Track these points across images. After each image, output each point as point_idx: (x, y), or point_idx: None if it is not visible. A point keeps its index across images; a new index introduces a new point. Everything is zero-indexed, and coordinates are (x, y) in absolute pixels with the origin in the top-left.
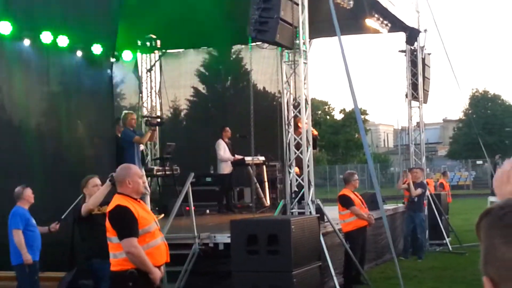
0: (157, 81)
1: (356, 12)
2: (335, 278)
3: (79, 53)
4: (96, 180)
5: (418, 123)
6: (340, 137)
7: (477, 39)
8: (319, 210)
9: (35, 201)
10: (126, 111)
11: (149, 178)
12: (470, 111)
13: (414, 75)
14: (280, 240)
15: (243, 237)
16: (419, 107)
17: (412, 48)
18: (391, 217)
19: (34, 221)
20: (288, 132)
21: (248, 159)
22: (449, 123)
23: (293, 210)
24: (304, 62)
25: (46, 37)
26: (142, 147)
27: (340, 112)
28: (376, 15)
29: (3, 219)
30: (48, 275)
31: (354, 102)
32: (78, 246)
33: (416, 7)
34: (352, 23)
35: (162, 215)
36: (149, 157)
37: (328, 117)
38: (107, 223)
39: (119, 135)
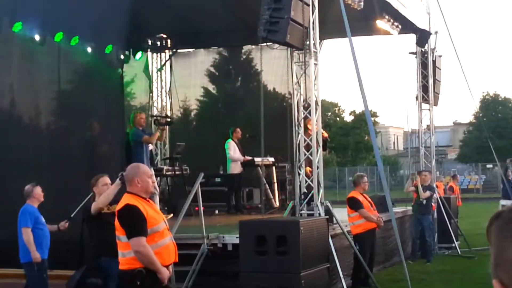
0: (168, 80)
1: (367, 13)
2: (343, 280)
3: (89, 52)
4: (106, 179)
5: (428, 125)
6: (350, 139)
7: (488, 42)
8: (328, 212)
9: (45, 199)
10: (135, 111)
11: (158, 178)
12: (480, 114)
13: (424, 77)
14: (289, 241)
15: (251, 237)
16: (429, 109)
17: (423, 50)
18: (400, 219)
19: (43, 219)
20: (298, 133)
21: (257, 160)
22: (460, 126)
23: (302, 212)
24: (314, 63)
25: (57, 36)
26: (151, 146)
27: (350, 114)
28: (386, 17)
29: (13, 216)
30: (57, 273)
31: (365, 104)
32: (87, 244)
33: (427, 9)
34: (362, 24)
35: (171, 214)
36: (158, 157)
37: (338, 119)
38: (116, 222)
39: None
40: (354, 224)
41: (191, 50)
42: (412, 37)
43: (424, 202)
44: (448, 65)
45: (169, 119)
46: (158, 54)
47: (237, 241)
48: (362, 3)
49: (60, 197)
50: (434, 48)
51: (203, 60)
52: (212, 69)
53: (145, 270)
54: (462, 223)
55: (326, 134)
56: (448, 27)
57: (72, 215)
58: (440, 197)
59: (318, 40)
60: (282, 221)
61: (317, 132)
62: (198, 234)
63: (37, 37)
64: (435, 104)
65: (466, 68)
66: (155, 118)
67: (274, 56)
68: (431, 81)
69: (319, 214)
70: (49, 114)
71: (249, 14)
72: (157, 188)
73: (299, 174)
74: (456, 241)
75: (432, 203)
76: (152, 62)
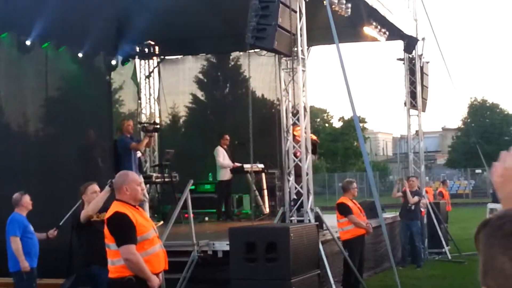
0: (156, 87)
1: (354, 20)
2: (334, 286)
3: (77, 59)
4: (95, 187)
5: (417, 131)
6: (339, 145)
7: (476, 48)
8: (318, 218)
9: (33, 208)
10: (122, 118)
11: (148, 185)
12: (468, 120)
13: (412, 83)
14: (279, 248)
15: (241, 244)
16: (417, 115)
17: (410, 56)
18: (390, 225)
19: (32, 228)
20: (287, 139)
21: (247, 166)
22: (448, 131)
23: (292, 218)
24: (302, 70)
25: (44, 43)
26: (139, 153)
27: (339, 120)
28: (374, 23)
29: (1, 225)
30: (46, 282)
31: (353, 110)
32: (77, 252)
33: (414, 16)
34: (350, 31)
35: (161, 222)
36: (148, 164)
37: (327, 125)
38: (106, 230)
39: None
40: (343, 230)
41: (179, 56)
42: (399, 44)
43: (413, 207)
44: (436, 71)
45: (157, 126)
46: (146, 61)
47: (227, 248)
48: (349, 10)
49: (48, 205)
50: (422, 54)
51: (191, 66)
52: (200, 75)
53: (135, 278)
54: (452, 228)
55: (315, 137)
56: (435, 33)
57: (60, 223)
58: (430, 203)
59: (305, 47)
60: (272, 228)
61: (306, 139)
62: (188, 241)
63: (24, 44)
64: (423, 110)
65: (454, 74)
66: (143, 125)
67: (262, 62)
68: (419, 87)
69: (309, 220)
70: (36, 121)
71: (236, 21)
72: (147, 196)
73: (288, 181)
74: (446, 246)
75: (422, 209)
76: (140, 69)
